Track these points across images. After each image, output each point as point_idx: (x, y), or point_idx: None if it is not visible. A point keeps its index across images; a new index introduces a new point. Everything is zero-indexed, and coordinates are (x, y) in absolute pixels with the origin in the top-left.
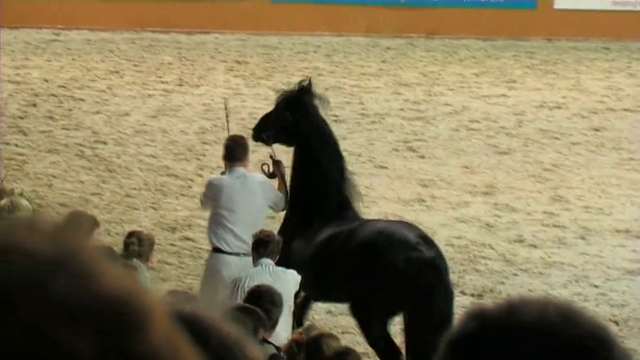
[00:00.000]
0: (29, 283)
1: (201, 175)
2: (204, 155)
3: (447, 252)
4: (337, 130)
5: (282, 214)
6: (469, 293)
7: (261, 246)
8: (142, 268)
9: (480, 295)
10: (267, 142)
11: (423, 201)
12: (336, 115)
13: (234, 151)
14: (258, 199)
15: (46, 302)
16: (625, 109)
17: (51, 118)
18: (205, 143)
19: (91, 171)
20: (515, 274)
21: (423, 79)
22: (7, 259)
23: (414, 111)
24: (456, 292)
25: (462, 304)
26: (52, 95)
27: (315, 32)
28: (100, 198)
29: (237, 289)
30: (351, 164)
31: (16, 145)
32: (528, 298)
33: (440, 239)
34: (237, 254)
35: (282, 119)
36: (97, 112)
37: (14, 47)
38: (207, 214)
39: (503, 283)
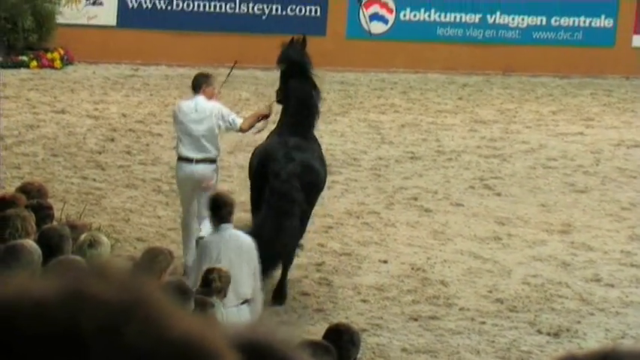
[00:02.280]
0: (102, 329)
1: None
2: None
3: (523, 290)
4: (414, 166)
5: None
6: (545, 332)
7: (220, 209)
8: (218, 305)
9: (556, 334)
10: (281, 99)
11: (500, 239)
12: (412, 152)
13: (194, 82)
14: (208, 119)
15: (118, 348)
16: None
17: (128, 153)
18: None
19: (168, 206)
20: (592, 314)
21: (500, 116)
22: (80, 306)
23: (490, 148)
24: (532, 330)
25: (538, 343)
26: (130, 130)
27: (392, 69)
28: (177, 233)
29: (206, 257)
30: (428, 201)
31: (94, 180)
32: (622, 347)
33: (516, 277)
34: (190, 160)
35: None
36: (174, 148)
37: (93, 82)
38: None
39: (579, 322)
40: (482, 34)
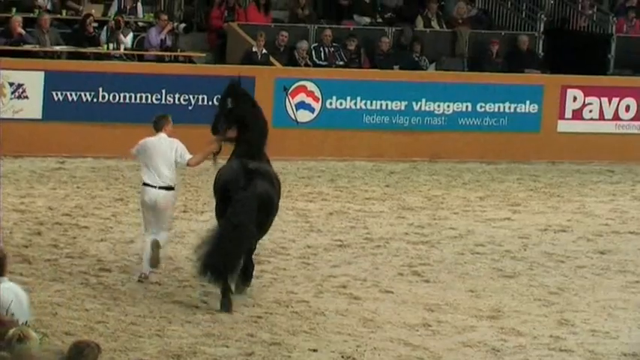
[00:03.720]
0: None
1: (206, 302)
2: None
3: None
4: (342, 254)
5: None
6: None
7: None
8: None
9: None
10: (222, 132)
11: (429, 325)
12: (340, 240)
13: (156, 123)
14: (169, 152)
15: None
16: (630, 232)
17: (55, 246)
18: None
19: (96, 299)
20: None
21: (427, 202)
22: None
23: (418, 235)
24: None
25: None
26: (57, 224)
27: (319, 157)
28: (105, 326)
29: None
30: (357, 289)
31: (21, 274)
32: None
33: None
34: (154, 186)
35: (224, 109)
36: (102, 240)
37: (18, 176)
38: None
39: None
40: (408, 122)
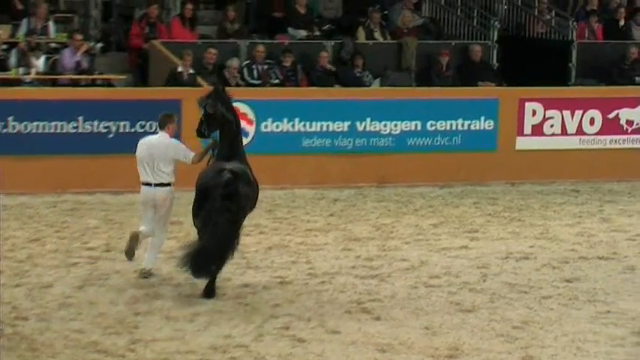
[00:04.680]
0: None
1: (133, 350)
2: (136, 327)
3: None
4: (284, 292)
5: None
6: None
7: None
8: None
9: None
10: (206, 135)
11: None
12: (281, 277)
13: (160, 121)
14: (165, 150)
15: None
16: (599, 257)
17: None
18: (138, 314)
19: (12, 351)
20: None
21: (376, 232)
22: None
23: (366, 268)
24: None
25: None
26: None
27: None
28: None
29: None
30: (301, 330)
31: None
32: None
33: None
34: (149, 184)
35: (207, 112)
36: (17, 285)
37: None
38: None
39: None
40: (352, 144)
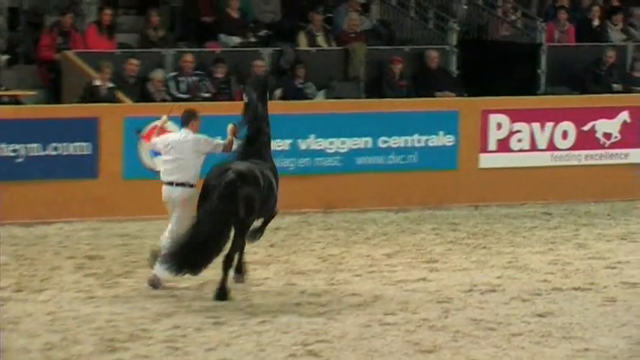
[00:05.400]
0: None
1: None
2: None
3: None
4: (219, 334)
5: None
6: None
7: None
8: None
9: None
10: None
11: None
12: (216, 317)
13: (183, 118)
14: (188, 153)
15: None
16: (575, 288)
17: None
18: None
19: None
20: None
21: (323, 264)
22: None
23: (313, 305)
24: None
25: None
26: None
27: None
28: None
29: None
30: None
31: None
32: None
33: None
34: (170, 184)
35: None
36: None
37: None
38: None
39: None
40: (294, 164)
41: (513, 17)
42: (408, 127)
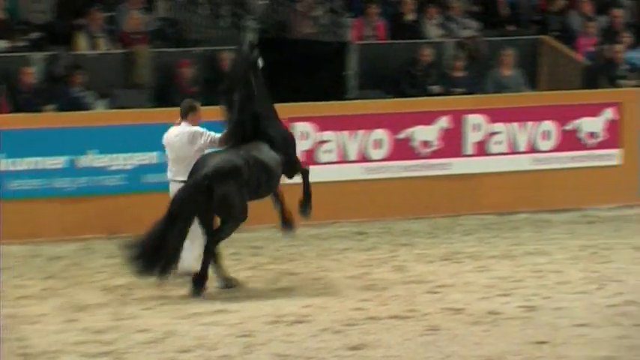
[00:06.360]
0: None
1: None
2: None
3: None
4: None
5: None
6: None
7: None
8: None
9: None
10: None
11: None
12: None
13: (182, 110)
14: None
15: None
16: (392, 317)
17: None
18: None
19: None
20: None
21: (108, 296)
22: None
23: (97, 344)
24: None
25: None
26: None
27: None
28: None
29: None
30: None
31: None
32: None
33: None
34: (175, 181)
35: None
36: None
37: None
38: None
39: None
40: (71, 184)
41: (317, 12)
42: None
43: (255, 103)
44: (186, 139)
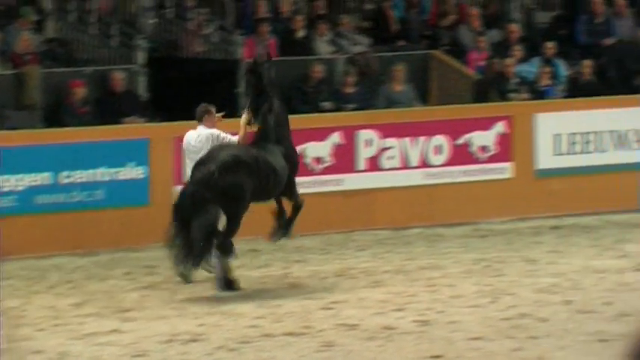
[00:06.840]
0: None
1: None
2: None
3: None
4: None
5: None
6: None
7: None
8: None
9: None
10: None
11: None
12: None
13: (197, 113)
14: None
15: None
16: (287, 334)
17: None
18: None
19: None
20: None
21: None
22: None
23: None
24: None
25: None
26: None
27: None
28: None
29: None
30: None
31: None
32: None
33: None
34: None
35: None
36: None
37: None
38: None
39: None
40: None
41: (208, 30)
42: (93, 159)
43: (274, 115)
44: (205, 140)
